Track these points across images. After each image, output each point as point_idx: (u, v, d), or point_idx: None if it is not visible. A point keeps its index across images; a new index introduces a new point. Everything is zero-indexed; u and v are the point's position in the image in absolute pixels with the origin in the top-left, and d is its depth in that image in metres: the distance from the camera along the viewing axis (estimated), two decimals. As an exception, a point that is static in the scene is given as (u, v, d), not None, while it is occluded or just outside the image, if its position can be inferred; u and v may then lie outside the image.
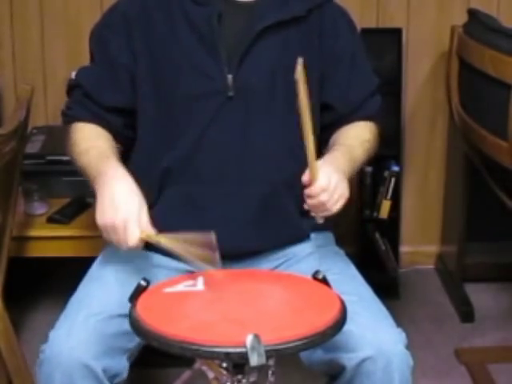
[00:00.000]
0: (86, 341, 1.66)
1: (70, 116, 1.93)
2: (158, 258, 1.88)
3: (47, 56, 3.14)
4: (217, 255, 1.60)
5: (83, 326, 1.69)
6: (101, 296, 1.77)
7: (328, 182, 1.68)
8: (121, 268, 1.83)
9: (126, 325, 1.57)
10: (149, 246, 1.88)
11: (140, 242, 1.66)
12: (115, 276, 1.82)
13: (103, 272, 1.85)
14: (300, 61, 1.59)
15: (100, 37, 1.93)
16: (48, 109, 3.15)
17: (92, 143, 1.85)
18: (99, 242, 1.98)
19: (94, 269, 1.89)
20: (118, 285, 1.78)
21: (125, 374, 1.74)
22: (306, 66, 1.60)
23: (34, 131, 2.97)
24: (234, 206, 1.85)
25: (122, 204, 1.66)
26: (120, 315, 1.69)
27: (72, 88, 1.95)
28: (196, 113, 1.85)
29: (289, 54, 1.87)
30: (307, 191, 1.68)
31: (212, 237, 1.59)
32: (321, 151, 1.89)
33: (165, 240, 1.66)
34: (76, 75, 1.95)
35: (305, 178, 1.68)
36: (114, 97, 1.89)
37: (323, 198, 1.68)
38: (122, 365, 1.73)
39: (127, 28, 1.88)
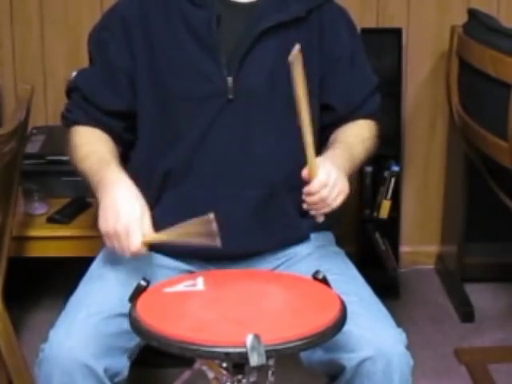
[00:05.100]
0: (86, 340, 1.66)
1: (70, 119, 1.93)
2: (158, 258, 1.88)
3: (47, 56, 3.13)
4: (215, 232, 1.57)
5: (83, 326, 1.68)
6: (101, 295, 1.76)
7: (327, 177, 1.68)
8: (121, 267, 1.83)
9: (126, 324, 1.57)
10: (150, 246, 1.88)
11: (143, 247, 1.66)
12: (115, 275, 1.81)
13: (103, 271, 1.85)
14: (297, 46, 1.59)
15: (99, 39, 1.92)
16: (48, 109, 3.15)
17: (92, 148, 1.85)
18: (99, 242, 1.97)
19: (94, 268, 1.89)
20: (118, 284, 1.78)
21: (125, 373, 1.74)
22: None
23: (34, 131, 2.97)
24: (234, 207, 1.84)
25: (123, 210, 1.67)
26: (120, 314, 1.69)
27: (71, 90, 1.95)
28: (196, 115, 1.85)
29: (288, 56, 1.87)
30: (307, 188, 1.69)
31: (210, 217, 1.57)
32: (320, 150, 1.89)
33: (166, 236, 1.67)
34: (74, 78, 1.95)
35: (304, 172, 1.68)
36: (112, 100, 1.89)
37: (323, 193, 1.68)
38: (122, 364, 1.73)
39: (126, 31, 1.88)
